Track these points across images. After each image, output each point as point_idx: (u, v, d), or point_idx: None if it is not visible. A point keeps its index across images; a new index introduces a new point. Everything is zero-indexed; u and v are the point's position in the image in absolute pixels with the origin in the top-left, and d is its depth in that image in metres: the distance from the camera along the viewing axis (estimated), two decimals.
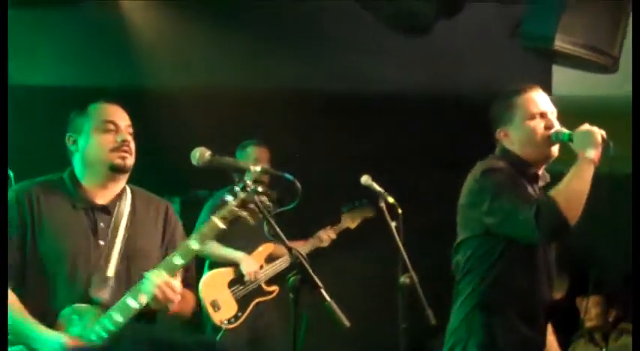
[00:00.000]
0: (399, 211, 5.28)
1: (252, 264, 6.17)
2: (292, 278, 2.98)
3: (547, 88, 4.80)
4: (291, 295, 3.00)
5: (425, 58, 6.44)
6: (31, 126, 5.94)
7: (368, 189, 5.45)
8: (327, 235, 6.35)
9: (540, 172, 3.91)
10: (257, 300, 6.19)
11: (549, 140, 3.80)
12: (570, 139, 3.73)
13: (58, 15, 6.53)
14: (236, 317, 6.05)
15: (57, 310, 3.26)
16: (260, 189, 3.01)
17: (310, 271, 2.99)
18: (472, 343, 3.83)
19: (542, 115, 3.81)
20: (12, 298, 3.23)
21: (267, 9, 6.62)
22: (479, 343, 3.82)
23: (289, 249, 2.98)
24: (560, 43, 4.52)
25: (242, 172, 3.04)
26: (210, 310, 6.00)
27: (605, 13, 4.65)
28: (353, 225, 6.43)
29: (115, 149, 3.39)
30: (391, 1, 5.07)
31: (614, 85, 5.94)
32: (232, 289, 6.11)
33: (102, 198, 3.44)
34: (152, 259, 3.45)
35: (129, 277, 3.36)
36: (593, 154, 3.65)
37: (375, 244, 5.86)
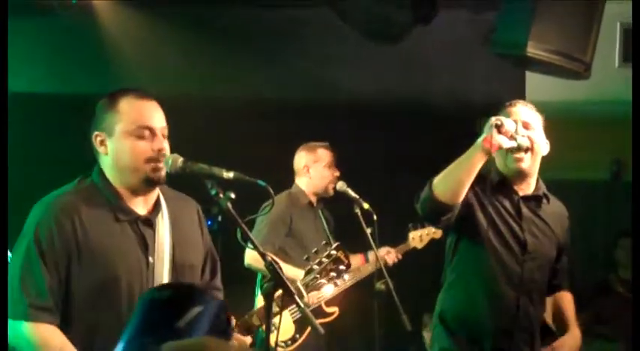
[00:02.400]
0: (374, 217, 5.31)
1: None
2: (266, 285, 2.98)
3: (521, 95, 4.83)
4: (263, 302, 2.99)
5: (398, 66, 6.47)
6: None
7: (343, 195, 5.49)
8: (392, 258, 5.73)
9: (522, 183, 3.92)
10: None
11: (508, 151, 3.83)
12: None
13: (33, 23, 6.51)
14: (293, 340, 5.50)
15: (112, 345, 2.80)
16: (233, 195, 2.99)
17: (285, 279, 2.99)
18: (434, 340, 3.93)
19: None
20: (61, 339, 2.86)
21: (241, 18, 6.65)
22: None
23: (263, 255, 2.97)
24: (533, 50, 4.54)
25: (215, 178, 3.03)
26: None
27: (577, 19, 4.69)
28: (420, 245, 5.87)
29: (150, 160, 3.01)
30: (366, 9, 5.09)
31: (588, 91, 6.00)
32: (290, 309, 5.32)
33: (141, 207, 3.08)
34: (198, 274, 3.21)
35: None
36: (481, 138, 3.62)
37: (350, 250, 5.87)
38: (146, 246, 3.03)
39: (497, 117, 3.65)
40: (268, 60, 6.66)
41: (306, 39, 6.53)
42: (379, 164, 6.90)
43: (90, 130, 3.09)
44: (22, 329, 2.87)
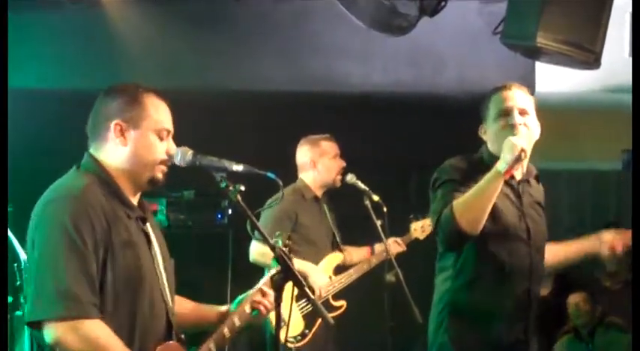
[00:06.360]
0: (384, 209, 5.31)
1: (321, 277, 5.57)
2: (276, 277, 2.98)
3: (530, 85, 4.79)
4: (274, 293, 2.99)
5: (407, 57, 6.46)
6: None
7: (352, 187, 5.49)
8: (395, 248, 5.72)
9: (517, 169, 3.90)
10: None
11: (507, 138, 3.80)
12: None
13: (41, 17, 6.51)
14: (303, 335, 5.48)
15: (138, 339, 2.97)
16: (242, 188, 3.01)
17: (295, 270, 2.99)
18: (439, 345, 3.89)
19: (506, 112, 3.81)
20: (108, 332, 2.86)
21: (250, 11, 6.64)
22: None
23: (273, 248, 2.98)
24: (543, 40, 4.52)
25: (224, 170, 3.04)
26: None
27: (587, 9, 4.66)
28: (422, 236, 5.85)
29: (162, 162, 3.07)
30: (373, 1, 5.07)
31: (598, 81, 5.98)
32: (299, 304, 5.38)
33: (136, 204, 3.13)
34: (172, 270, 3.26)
35: (172, 293, 3.15)
36: (504, 167, 3.56)
37: (360, 241, 5.87)
38: (149, 241, 3.09)
39: (522, 147, 3.58)
40: (277, 52, 6.65)
41: (315, 31, 6.52)
42: (389, 156, 6.89)
43: (102, 116, 3.06)
44: (67, 328, 2.79)
